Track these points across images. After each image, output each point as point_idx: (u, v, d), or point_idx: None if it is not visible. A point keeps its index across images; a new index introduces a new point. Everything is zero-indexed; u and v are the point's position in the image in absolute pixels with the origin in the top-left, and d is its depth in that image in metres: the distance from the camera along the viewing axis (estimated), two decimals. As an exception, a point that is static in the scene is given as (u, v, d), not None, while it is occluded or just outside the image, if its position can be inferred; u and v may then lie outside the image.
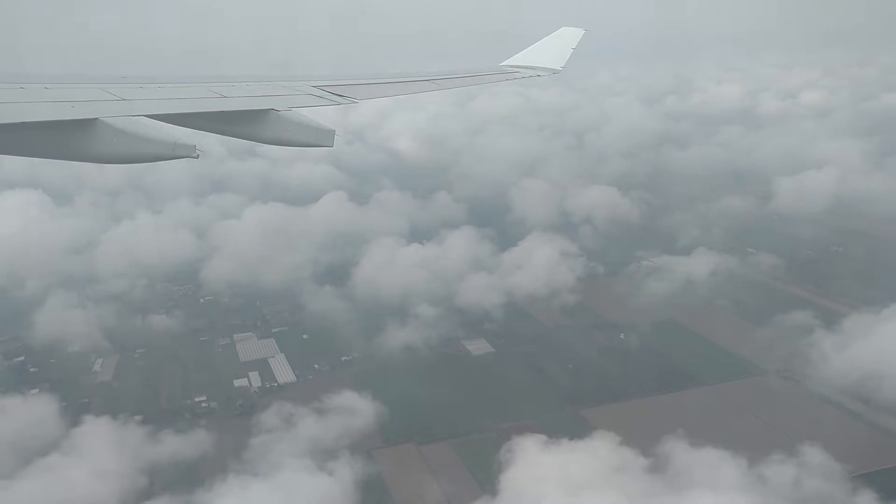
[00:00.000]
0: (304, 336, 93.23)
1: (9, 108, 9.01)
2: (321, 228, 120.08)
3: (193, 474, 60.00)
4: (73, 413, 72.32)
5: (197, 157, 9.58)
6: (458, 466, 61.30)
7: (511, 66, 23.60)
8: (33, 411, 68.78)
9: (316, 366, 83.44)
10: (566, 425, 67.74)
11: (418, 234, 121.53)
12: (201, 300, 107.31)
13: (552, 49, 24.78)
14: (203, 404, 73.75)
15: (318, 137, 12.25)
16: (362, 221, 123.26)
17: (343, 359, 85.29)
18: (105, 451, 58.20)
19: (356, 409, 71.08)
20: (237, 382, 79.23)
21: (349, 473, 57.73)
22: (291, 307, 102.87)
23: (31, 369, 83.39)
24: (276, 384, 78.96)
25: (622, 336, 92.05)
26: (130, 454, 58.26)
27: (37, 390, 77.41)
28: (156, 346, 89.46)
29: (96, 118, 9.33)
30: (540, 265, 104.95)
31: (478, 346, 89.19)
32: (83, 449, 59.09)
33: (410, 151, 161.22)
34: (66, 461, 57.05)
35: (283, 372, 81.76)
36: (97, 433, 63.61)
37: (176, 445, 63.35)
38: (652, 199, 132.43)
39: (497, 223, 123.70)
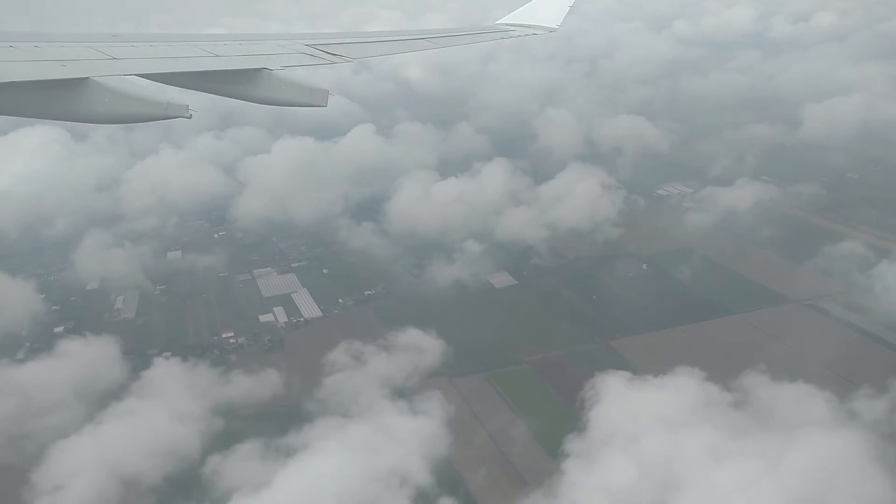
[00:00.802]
0: (325, 271, 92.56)
1: None
2: (343, 162, 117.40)
3: (261, 415, 59.17)
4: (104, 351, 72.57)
5: (190, 116, 9.43)
6: (495, 399, 61.44)
7: (507, 25, 23.36)
8: (82, 352, 67.24)
9: (340, 300, 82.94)
10: (596, 356, 67.93)
11: (445, 167, 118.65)
12: (215, 235, 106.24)
13: (548, 7, 24.29)
14: (231, 340, 73.48)
15: (312, 97, 11.92)
16: (386, 154, 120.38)
17: (366, 293, 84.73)
18: (174, 391, 57.53)
19: (386, 343, 71.05)
20: (262, 318, 78.82)
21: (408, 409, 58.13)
22: (308, 242, 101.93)
23: (53, 307, 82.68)
24: (302, 319, 78.62)
25: (644, 267, 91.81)
26: (199, 395, 57.48)
27: (61, 328, 76.96)
28: (175, 282, 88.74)
29: (87, 77, 9.12)
30: (571, 198, 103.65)
31: (500, 279, 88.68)
32: (152, 390, 58.30)
33: (421, 80, 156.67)
34: (136, 403, 56.24)
35: (308, 307, 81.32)
36: (159, 373, 62.93)
37: (233, 384, 62.68)
38: (678, 128, 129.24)
39: (523, 154, 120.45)
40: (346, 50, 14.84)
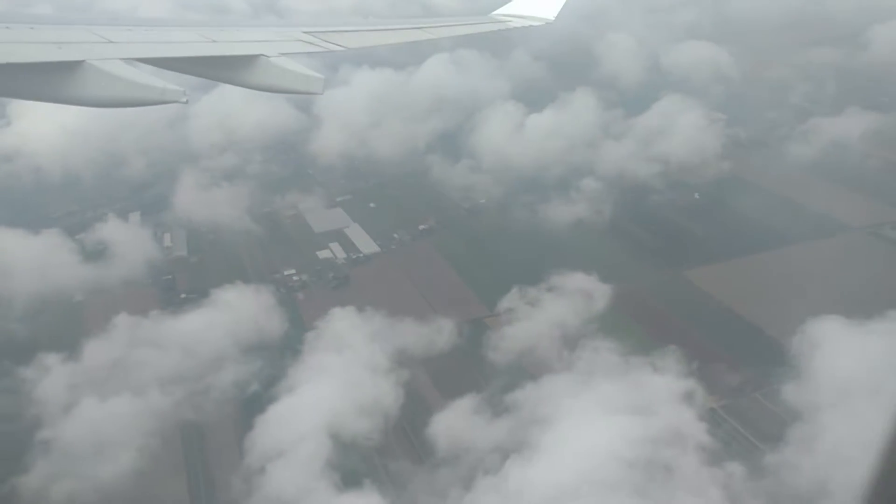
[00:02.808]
0: (371, 205, 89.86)
1: None
2: (383, 92, 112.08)
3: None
4: (162, 289, 70.59)
5: (185, 102, 9.44)
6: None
7: (503, 15, 23.19)
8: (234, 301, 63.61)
9: (395, 235, 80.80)
10: (676, 289, 66.80)
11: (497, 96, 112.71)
12: (249, 168, 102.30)
13: None
14: (294, 277, 71.58)
15: (308, 84, 12.01)
16: (432, 82, 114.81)
17: (420, 227, 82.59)
18: (347, 340, 54.50)
19: (453, 280, 69.53)
20: (321, 254, 76.74)
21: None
22: (347, 175, 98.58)
23: (100, 246, 79.73)
24: (361, 255, 76.62)
25: (696, 196, 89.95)
26: (373, 343, 54.37)
27: (112, 267, 74.52)
28: (220, 217, 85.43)
29: (83, 60, 9.15)
30: (625, 126, 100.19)
31: (553, 210, 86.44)
32: (321, 338, 55.71)
33: (444, 2, 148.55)
34: (315, 355, 53.51)
35: (364, 242, 79.18)
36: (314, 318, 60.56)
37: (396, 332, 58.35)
38: (739, 53, 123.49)
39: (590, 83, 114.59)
40: (344, 38, 15.07)
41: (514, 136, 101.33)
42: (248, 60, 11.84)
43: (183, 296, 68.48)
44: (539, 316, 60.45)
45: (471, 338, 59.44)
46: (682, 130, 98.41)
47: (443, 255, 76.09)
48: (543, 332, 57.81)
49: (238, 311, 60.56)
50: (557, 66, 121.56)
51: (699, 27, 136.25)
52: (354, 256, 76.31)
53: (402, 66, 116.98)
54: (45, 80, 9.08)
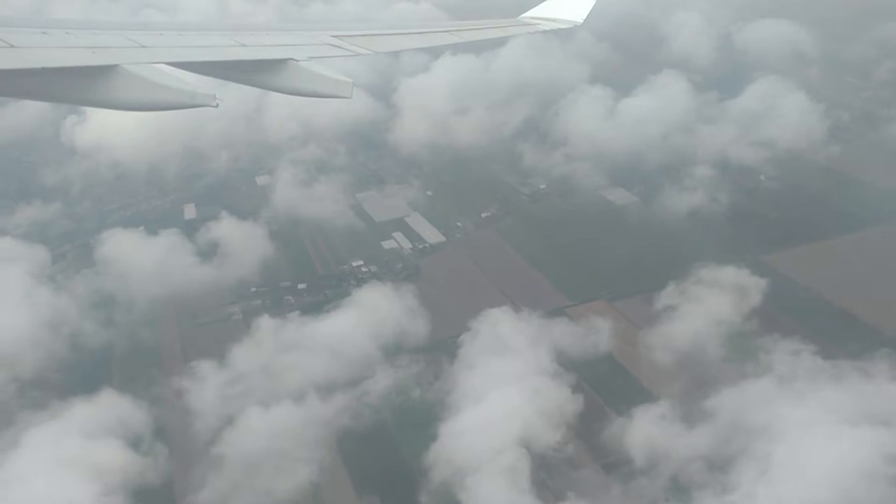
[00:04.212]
0: (428, 192, 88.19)
1: (30, 52, 9.02)
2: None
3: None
4: (231, 283, 69.52)
5: (216, 105, 9.55)
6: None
7: (531, 18, 23.47)
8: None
9: (458, 223, 79.21)
10: (762, 272, 64.43)
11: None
12: (294, 156, 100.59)
13: (573, 1, 24.53)
14: (363, 269, 70.29)
15: (337, 89, 12.07)
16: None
17: (483, 215, 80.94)
18: (500, 339, 51.83)
19: (526, 269, 67.78)
20: (385, 244, 75.36)
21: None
22: (399, 162, 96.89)
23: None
24: (427, 245, 75.11)
25: (762, 178, 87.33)
26: (535, 344, 51.49)
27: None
28: (276, 208, 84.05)
29: (117, 65, 9.39)
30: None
31: (617, 196, 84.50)
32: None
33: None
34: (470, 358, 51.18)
35: (428, 231, 77.69)
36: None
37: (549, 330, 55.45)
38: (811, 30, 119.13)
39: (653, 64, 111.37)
40: (372, 42, 15.16)
41: (561, 123, 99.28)
42: (278, 65, 12.00)
43: (253, 289, 67.60)
44: (630, 307, 58.90)
45: (589, 330, 56.98)
46: (777, 114, 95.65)
47: (510, 243, 74.51)
48: (647, 327, 56.14)
49: (351, 309, 59.40)
50: (614, 49, 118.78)
51: (757, 4, 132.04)
52: (420, 246, 74.79)
53: (455, 51, 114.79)
54: (81, 84, 9.24)
